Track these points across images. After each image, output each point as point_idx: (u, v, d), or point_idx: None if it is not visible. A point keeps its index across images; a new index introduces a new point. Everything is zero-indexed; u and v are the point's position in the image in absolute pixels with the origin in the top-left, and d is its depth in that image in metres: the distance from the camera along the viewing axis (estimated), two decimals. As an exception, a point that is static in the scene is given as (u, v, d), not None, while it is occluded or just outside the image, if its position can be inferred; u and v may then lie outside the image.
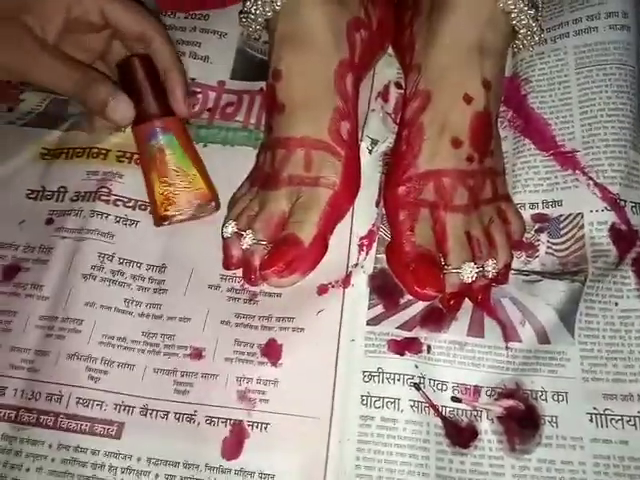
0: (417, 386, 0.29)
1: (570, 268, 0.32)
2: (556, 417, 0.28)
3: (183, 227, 0.34)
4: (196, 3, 0.42)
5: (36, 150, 0.38)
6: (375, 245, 0.34)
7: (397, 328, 0.31)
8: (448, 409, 0.29)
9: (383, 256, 0.33)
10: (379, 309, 0.32)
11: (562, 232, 0.33)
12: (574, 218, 0.33)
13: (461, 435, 0.28)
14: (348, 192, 0.34)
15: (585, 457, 0.28)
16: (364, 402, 0.29)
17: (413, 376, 0.29)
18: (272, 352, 0.31)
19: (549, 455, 0.28)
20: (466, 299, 0.32)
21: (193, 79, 0.40)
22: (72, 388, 0.30)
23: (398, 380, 0.29)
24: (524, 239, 0.34)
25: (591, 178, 0.34)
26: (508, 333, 0.30)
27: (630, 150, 0.34)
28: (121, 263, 0.34)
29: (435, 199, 0.32)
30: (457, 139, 0.32)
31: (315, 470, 0.28)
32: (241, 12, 0.38)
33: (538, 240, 0.34)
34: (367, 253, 0.33)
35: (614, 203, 0.33)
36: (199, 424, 0.29)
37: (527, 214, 0.34)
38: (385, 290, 0.32)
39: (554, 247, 0.33)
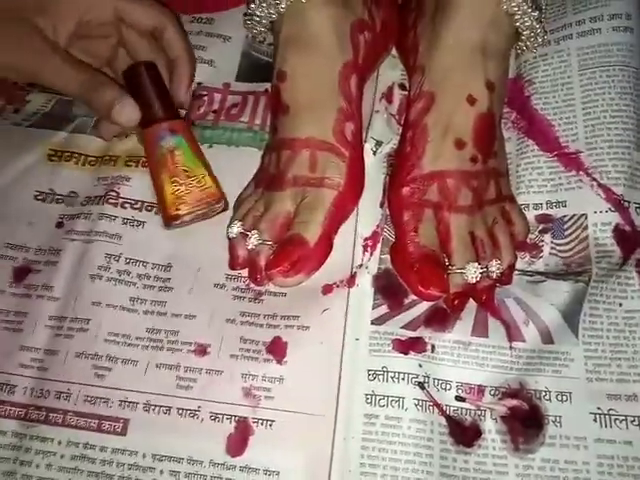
0: (421, 385, 0.29)
1: (574, 269, 0.32)
2: (560, 417, 0.28)
3: (189, 227, 0.35)
4: (198, 5, 0.43)
5: (43, 151, 0.38)
6: (379, 246, 0.34)
7: (401, 328, 0.31)
8: (452, 408, 0.29)
9: (387, 256, 0.33)
10: (383, 309, 0.32)
11: (566, 233, 0.33)
12: (578, 219, 0.33)
13: (465, 434, 0.28)
14: (352, 193, 0.34)
15: (589, 457, 0.28)
16: (369, 400, 0.29)
17: (417, 375, 0.30)
18: (277, 350, 0.31)
19: (553, 455, 0.28)
20: (470, 299, 0.32)
21: (199, 83, 0.40)
22: (80, 386, 0.30)
23: (402, 379, 0.30)
24: (528, 240, 0.34)
25: (595, 179, 0.34)
26: (512, 333, 0.31)
27: (634, 151, 0.34)
28: (127, 263, 0.34)
29: (439, 200, 0.32)
30: (461, 140, 0.33)
31: (320, 467, 0.28)
32: (245, 14, 0.38)
33: (542, 241, 0.34)
34: (371, 254, 0.34)
35: (618, 204, 0.33)
36: (203, 420, 0.29)
37: (531, 215, 0.34)
38: (389, 290, 0.32)
39: (558, 248, 0.33)
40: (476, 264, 0.31)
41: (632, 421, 0.28)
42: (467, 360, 0.30)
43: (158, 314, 0.33)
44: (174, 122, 0.35)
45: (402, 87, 0.39)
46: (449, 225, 0.32)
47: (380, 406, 0.29)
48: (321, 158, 0.33)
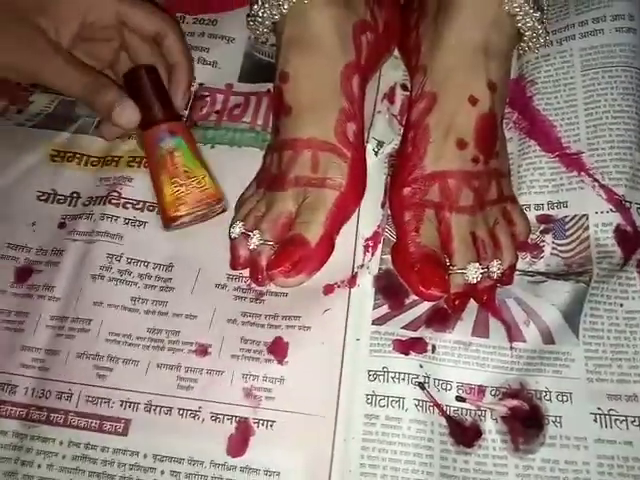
0: (422, 385, 0.29)
1: (575, 269, 0.32)
2: (560, 417, 0.29)
3: (191, 228, 0.35)
4: (203, 5, 0.43)
5: (46, 152, 0.38)
6: (380, 246, 0.34)
7: (402, 328, 0.31)
8: (452, 408, 0.29)
9: (388, 257, 0.33)
10: (384, 309, 0.32)
11: (567, 233, 0.33)
12: (579, 219, 0.33)
13: (465, 434, 0.29)
14: (354, 193, 0.34)
15: (589, 457, 0.28)
16: (369, 401, 0.29)
17: (418, 375, 0.30)
18: (278, 350, 0.31)
19: (553, 455, 0.28)
20: (471, 299, 0.32)
21: (201, 84, 0.41)
22: (81, 386, 0.30)
23: (403, 379, 0.30)
24: (529, 240, 0.34)
25: (596, 180, 0.34)
26: (513, 333, 0.31)
27: (635, 152, 0.34)
28: (129, 263, 0.34)
29: (440, 200, 0.32)
30: (462, 140, 0.33)
31: (320, 468, 0.28)
32: (248, 15, 0.39)
33: (543, 241, 0.34)
34: (372, 254, 0.34)
35: (619, 205, 0.33)
36: (204, 420, 0.29)
37: (532, 215, 0.34)
38: (390, 290, 0.32)
39: (559, 248, 0.33)
40: (477, 264, 0.31)
41: (632, 421, 0.28)
42: (468, 360, 0.30)
43: (159, 314, 0.33)
44: (173, 124, 0.35)
45: (404, 87, 0.39)
46: (450, 225, 0.32)
47: (380, 406, 0.29)
48: (323, 158, 0.33)
